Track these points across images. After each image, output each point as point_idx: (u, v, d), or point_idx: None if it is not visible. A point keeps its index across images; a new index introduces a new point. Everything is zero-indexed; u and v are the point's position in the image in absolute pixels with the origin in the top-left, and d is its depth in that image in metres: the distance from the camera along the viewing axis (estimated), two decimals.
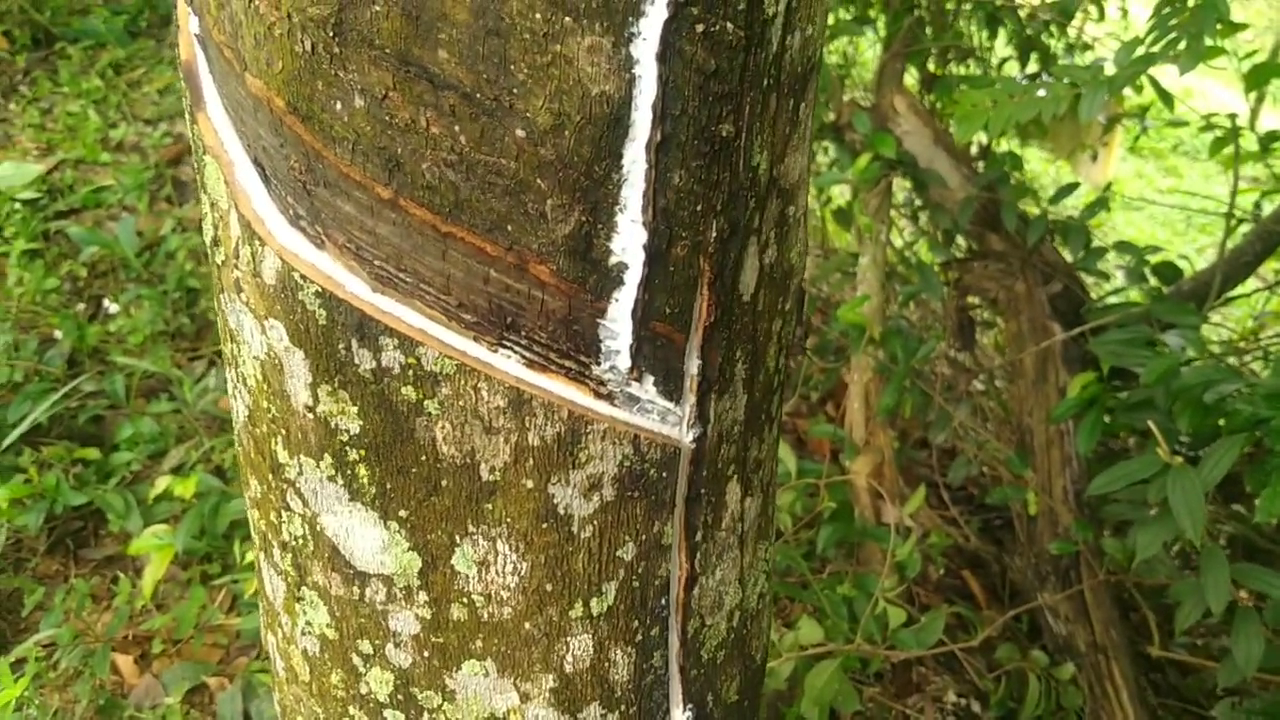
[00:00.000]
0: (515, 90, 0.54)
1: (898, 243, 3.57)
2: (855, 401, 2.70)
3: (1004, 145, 3.40)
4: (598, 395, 0.65)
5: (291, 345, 0.65)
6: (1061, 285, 2.75)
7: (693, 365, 0.68)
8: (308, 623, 0.77)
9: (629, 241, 0.60)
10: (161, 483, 2.21)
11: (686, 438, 0.70)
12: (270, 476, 0.72)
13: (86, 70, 4.05)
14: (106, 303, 3.06)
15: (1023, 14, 3.14)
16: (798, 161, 0.70)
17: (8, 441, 2.40)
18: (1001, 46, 3.40)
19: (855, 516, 2.51)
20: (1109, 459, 2.66)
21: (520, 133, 0.56)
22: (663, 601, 0.75)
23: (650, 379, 0.66)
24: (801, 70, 0.66)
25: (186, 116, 0.67)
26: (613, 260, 0.61)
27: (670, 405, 0.68)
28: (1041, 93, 1.95)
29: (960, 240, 3.00)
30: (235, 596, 2.35)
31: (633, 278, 0.61)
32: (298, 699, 0.82)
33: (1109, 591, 2.45)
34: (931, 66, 3.24)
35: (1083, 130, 3.76)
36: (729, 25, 0.55)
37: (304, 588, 0.75)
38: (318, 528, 0.71)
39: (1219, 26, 1.89)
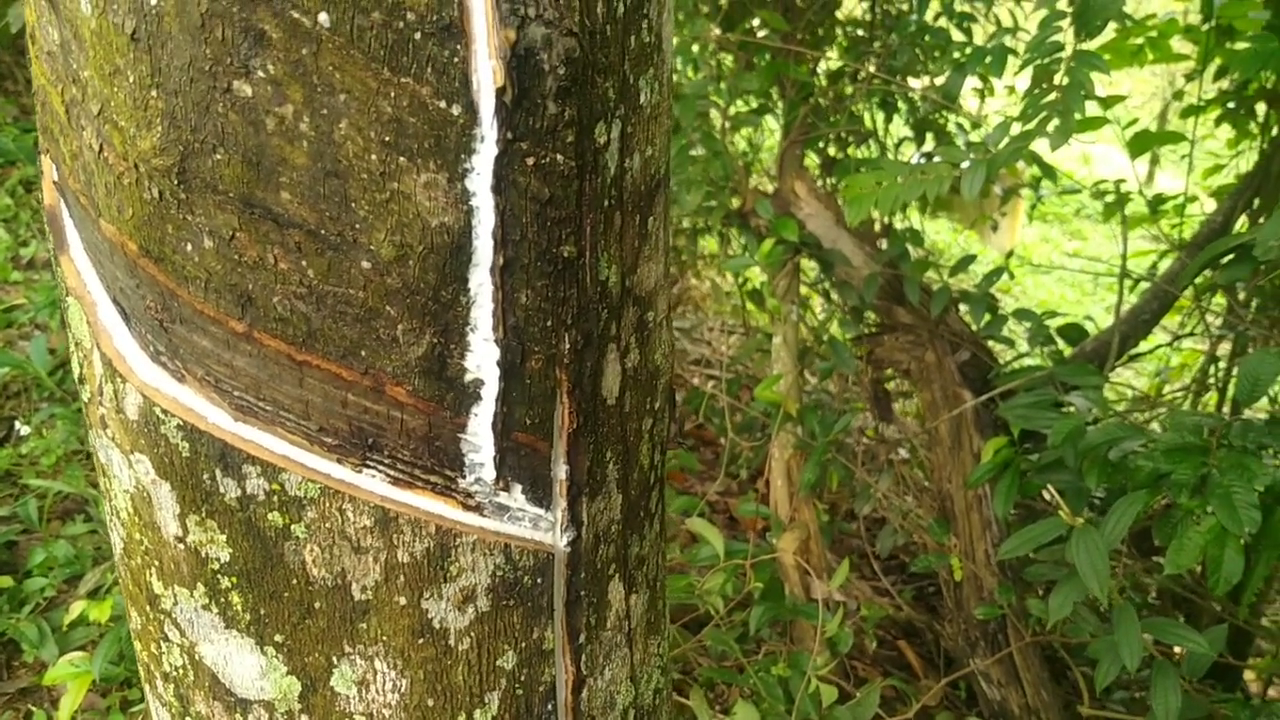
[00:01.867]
0: (358, 225, 0.57)
1: (814, 320, 3.66)
2: (778, 479, 2.73)
3: (907, 221, 3.53)
4: (466, 507, 0.67)
5: (158, 478, 0.65)
6: (970, 353, 2.84)
7: (560, 471, 0.70)
8: None
9: (483, 359, 0.63)
10: (76, 608, 2.14)
11: (560, 542, 0.72)
12: (148, 608, 0.72)
13: None
14: (18, 424, 2.99)
15: (915, 97, 3.29)
16: (652, 270, 0.74)
17: None
18: (900, 127, 3.55)
19: (785, 594, 2.52)
20: (1030, 519, 2.72)
21: (366, 264, 0.58)
22: (549, 707, 0.76)
23: (518, 487, 0.68)
24: (646, 188, 0.70)
25: (51, 259, 0.69)
26: (468, 377, 0.63)
27: (541, 511, 0.70)
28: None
29: (871, 315, 3.09)
30: None
31: (490, 392, 0.64)
32: None
33: (1038, 653, 2.49)
34: (832, 150, 3.37)
35: (983, 202, 3.92)
36: (559, 157, 0.59)
37: (188, 718, 0.75)
38: (196, 657, 0.71)
39: (1092, 100, 2.01)
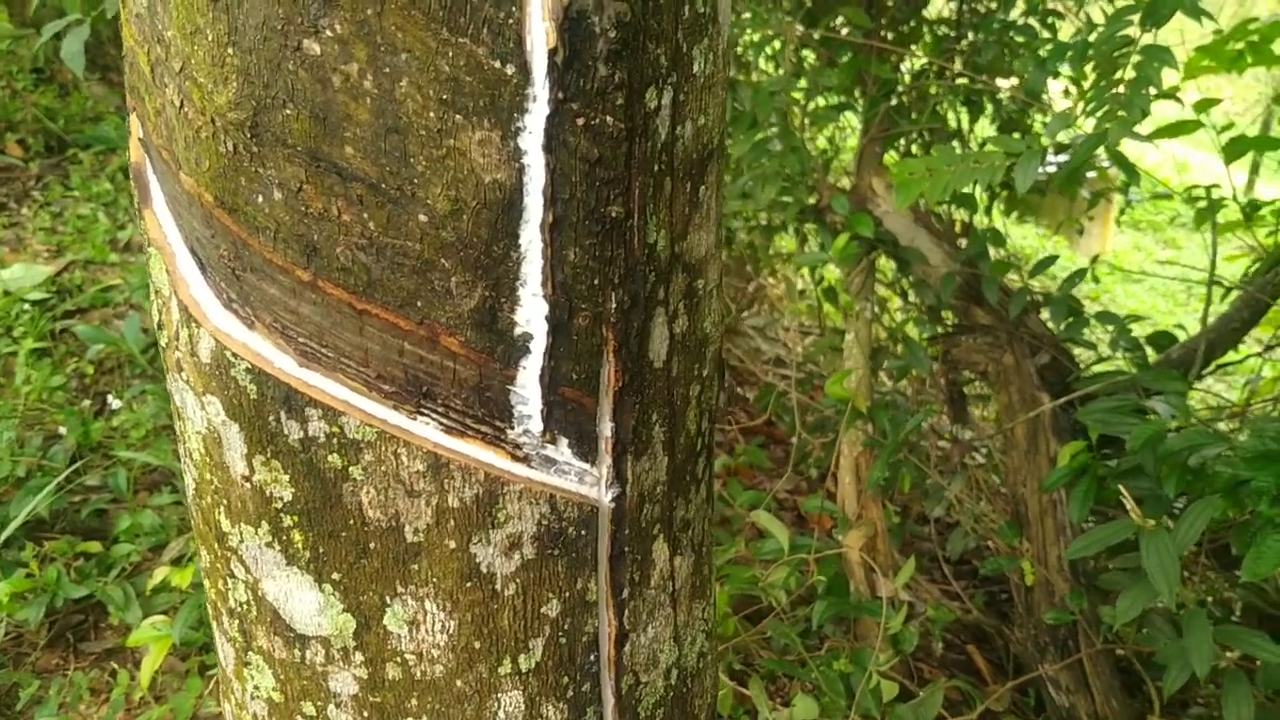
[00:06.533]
0: (416, 180, 0.60)
1: (891, 321, 3.63)
2: (846, 475, 2.72)
3: (988, 221, 3.48)
4: (514, 458, 0.70)
5: (227, 419, 0.70)
6: (1049, 357, 2.79)
7: (605, 428, 0.72)
8: (256, 687, 0.80)
9: (532, 313, 0.65)
10: (159, 573, 2.24)
11: (605, 497, 0.74)
12: (216, 545, 0.77)
13: (97, 174, 4.20)
14: (110, 399, 3.13)
15: (1003, 96, 3.24)
16: (703, 239, 0.76)
17: (6, 533, 2.44)
18: (986, 128, 3.49)
19: (850, 591, 2.51)
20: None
21: (423, 218, 0.61)
22: (592, 658, 0.79)
23: (564, 441, 0.71)
24: (698, 156, 0.72)
25: (135, 213, 0.74)
26: (518, 331, 0.66)
27: (586, 466, 0.73)
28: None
29: (948, 315, 3.06)
30: None
31: (538, 346, 0.67)
32: None
33: (1109, 661, 2.44)
34: (914, 150, 3.34)
35: (1070, 205, 3.84)
36: (608, 119, 0.61)
37: (250, 652, 0.79)
38: (260, 593, 0.75)
39: (1166, 98, 1.95)
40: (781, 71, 3.17)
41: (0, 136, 4.41)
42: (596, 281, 0.66)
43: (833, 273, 4.25)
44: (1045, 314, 2.77)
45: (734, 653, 2.49)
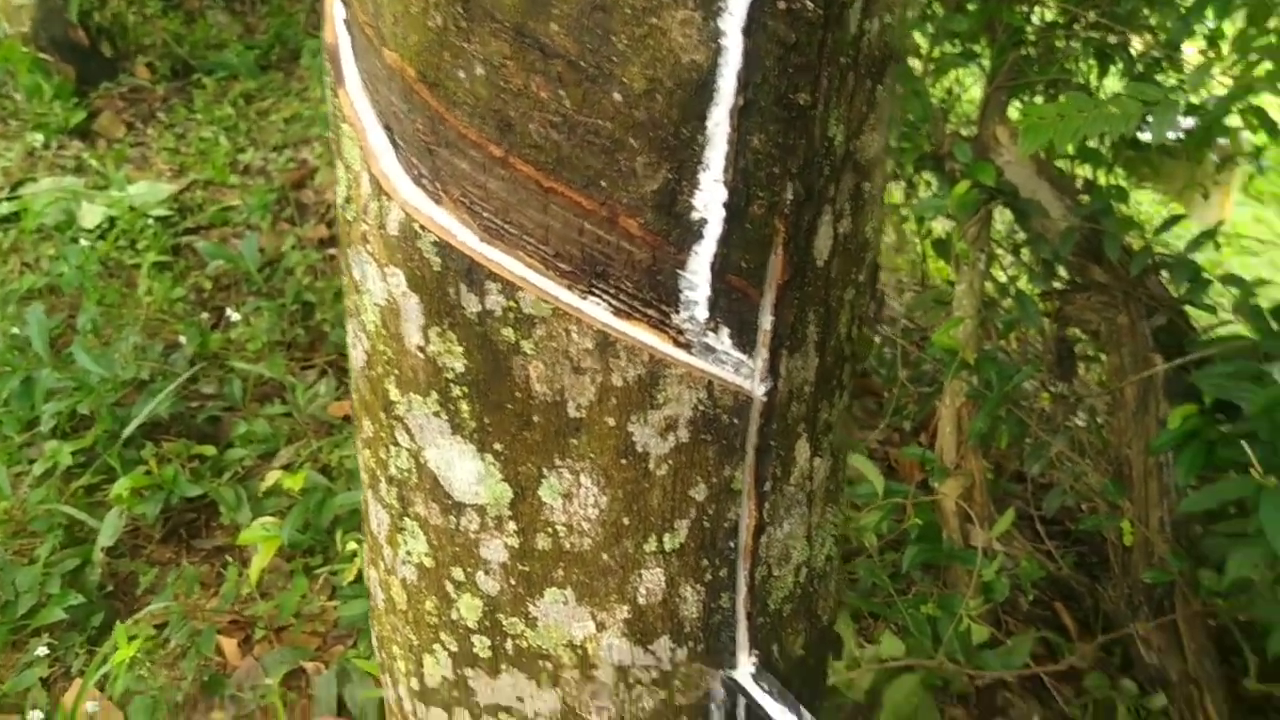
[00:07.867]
0: (615, 58, 0.62)
1: (1000, 278, 3.56)
2: (947, 425, 2.70)
3: (1112, 179, 3.37)
4: (676, 343, 0.72)
5: (409, 290, 0.73)
6: (1165, 319, 2.72)
7: (766, 321, 0.74)
8: (408, 552, 0.85)
9: (710, 198, 0.67)
10: (271, 477, 2.33)
11: (758, 390, 0.76)
12: (382, 414, 0.81)
13: (219, 99, 4.32)
14: (229, 312, 3.25)
15: (1135, 51, 3.12)
16: (875, 140, 0.76)
17: (128, 431, 2.56)
18: (1114, 82, 3.37)
19: (943, 538, 2.50)
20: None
21: (617, 96, 0.63)
22: (731, 545, 0.81)
23: (725, 331, 0.73)
24: (879, 55, 0.72)
25: (328, 94, 0.77)
26: (694, 215, 0.68)
27: (743, 357, 0.74)
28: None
29: (1061, 272, 2.99)
30: (334, 588, 2.46)
31: (712, 232, 0.68)
32: (394, 628, 0.90)
33: (1203, 624, 2.40)
34: (1039, 101, 3.24)
35: (1195, 169, 3.69)
36: (808, 3, 0.62)
37: (406, 518, 0.83)
38: (422, 460, 0.79)
39: None
40: (907, 15, 3.09)
41: (130, 59, 4.57)
42: (776, 170, 0.67)
43: (939, 227, 4.17)
44: (1164, 275, 2.70)
45: None
